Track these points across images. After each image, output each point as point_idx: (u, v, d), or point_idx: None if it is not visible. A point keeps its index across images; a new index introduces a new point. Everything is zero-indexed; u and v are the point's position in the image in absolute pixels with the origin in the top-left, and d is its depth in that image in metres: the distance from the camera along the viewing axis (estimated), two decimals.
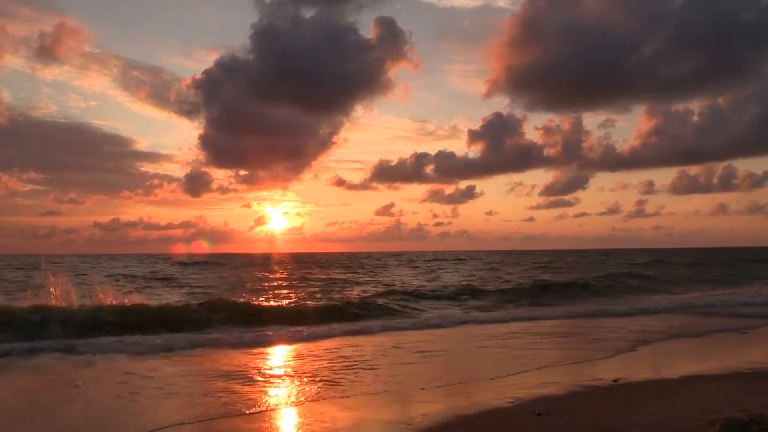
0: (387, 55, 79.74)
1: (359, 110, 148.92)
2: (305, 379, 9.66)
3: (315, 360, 11.54)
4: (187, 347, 12.99)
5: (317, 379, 9.70)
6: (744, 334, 15.21)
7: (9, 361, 11.54)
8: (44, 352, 12.25)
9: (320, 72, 66.17)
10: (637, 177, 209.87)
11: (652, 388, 8.75)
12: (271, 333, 15.16)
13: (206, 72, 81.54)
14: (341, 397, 8.43)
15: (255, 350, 12.88)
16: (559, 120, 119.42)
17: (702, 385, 8.99)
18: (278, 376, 10.03)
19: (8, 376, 10.45)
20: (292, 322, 17.37)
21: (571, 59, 65.63)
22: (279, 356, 12.36)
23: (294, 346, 13.45)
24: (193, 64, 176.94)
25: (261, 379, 9.84)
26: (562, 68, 67.43)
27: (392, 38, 77.77)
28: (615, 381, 9.31)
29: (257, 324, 16.93)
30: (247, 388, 9.04)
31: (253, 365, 11.07)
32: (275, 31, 65.27)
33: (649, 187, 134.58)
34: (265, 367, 10.93)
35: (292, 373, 10.24)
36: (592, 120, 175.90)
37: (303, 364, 11.08)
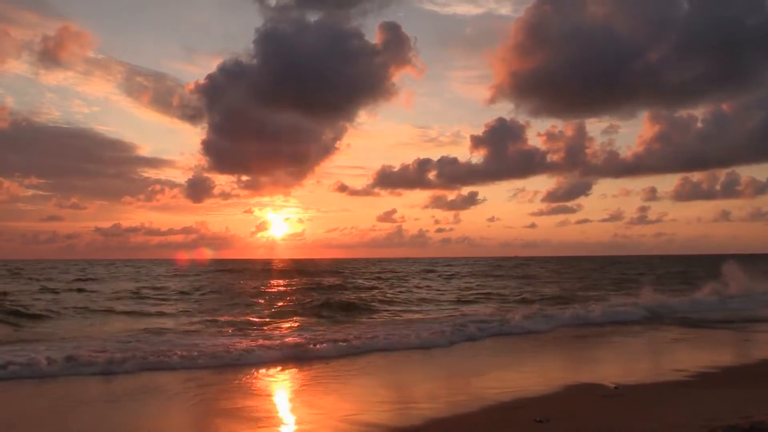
0: (391, 60, 79.80)
1: (363, 116, 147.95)
2: None
3: None
4: None
5: None
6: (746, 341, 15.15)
7: None
8: None
9: (324, 77, 66.11)
10: (639, 183, 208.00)
11: (653, 394, 8.71)
12: None
13: (209, 77, 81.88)
14: None
15: None
16: (562, 126, 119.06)
17: (702, 391, 8.95)
18: None
19: None
20: None
21: (575, 65, 65.62)
22: None
23: None
24: (196, 69, 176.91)
25: None
26: (566, 74, 67.38)
27: (397, 44, 77.87)
28: (616, 387, 9.23)
29: None
30: None
31: None
32: (279, 35, 65.24)
33: (652, 194, 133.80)
34: None
35: None
36: (595, 126, 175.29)
37: None
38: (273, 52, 65.17)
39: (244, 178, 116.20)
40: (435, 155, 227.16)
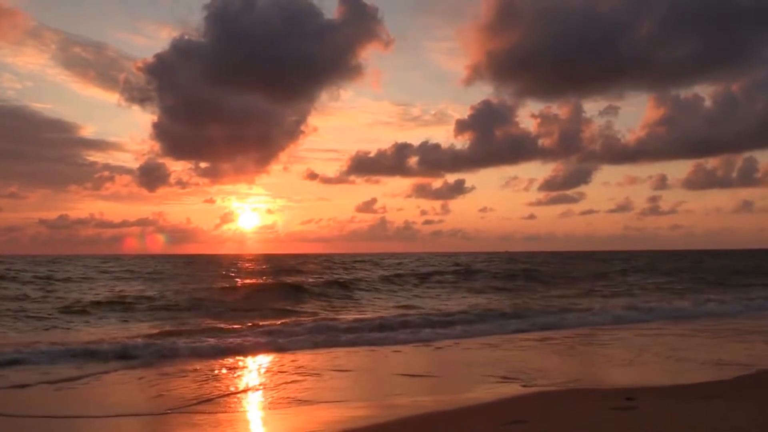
0: (354, 35, 75.67)
1: (326, 96, 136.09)
2: None
3: None
4: None
5: None
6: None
7: None
8: None
9: (278, 55, 62.32)
10: (645, 170, 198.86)
11: (670, 406, 7.88)
12: None
13: (158, 56, 77.55)
14: None
15: None
16: (556, 108, 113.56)
17: (721, 402, 8.07)
18: None
19: None
20: None
21: (569, 41, 62.79)
22: None
23: None
24: (142, 40, 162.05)
25: None
26: (560, 50, 64.63)
27: (361, 16, 73.65)
28: (629, 399, 8.31)
29: None
30: None
31: None
32: (232, 11, 61.26)
33: (662, 182, 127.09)
34: None
35: None
36: (592, 107, 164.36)
37: None
38: (225, 30, 61.66)
39: (203, 164, 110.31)
40: (416, 136, 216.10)
